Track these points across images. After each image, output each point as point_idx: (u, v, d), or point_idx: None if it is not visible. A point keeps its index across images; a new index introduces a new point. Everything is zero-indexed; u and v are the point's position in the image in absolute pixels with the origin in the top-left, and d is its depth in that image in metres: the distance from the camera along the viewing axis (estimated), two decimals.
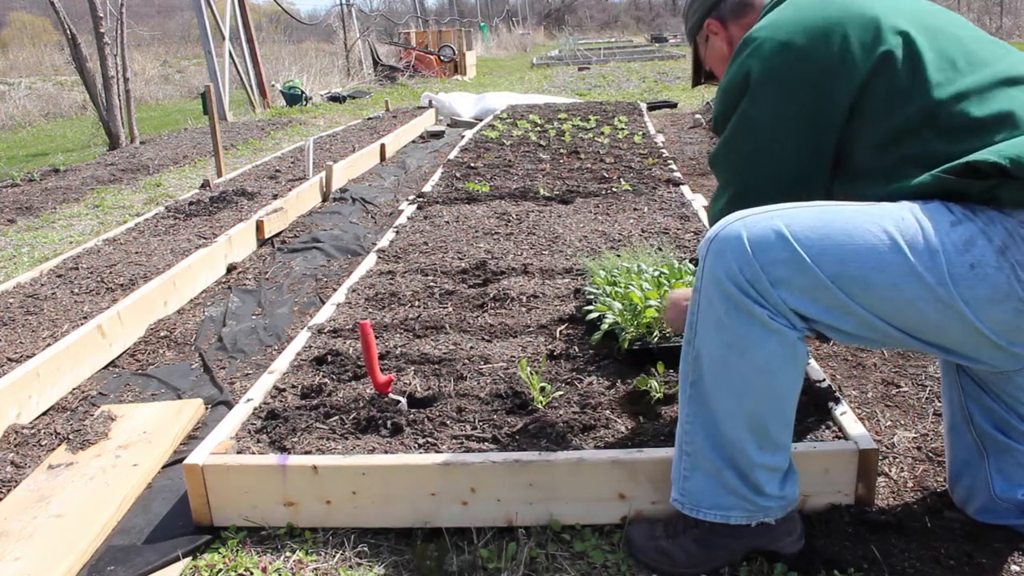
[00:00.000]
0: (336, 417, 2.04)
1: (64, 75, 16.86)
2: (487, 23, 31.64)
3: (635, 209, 4.20)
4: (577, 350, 2.41)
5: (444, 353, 2.43)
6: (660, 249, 3.26)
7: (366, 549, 1.77)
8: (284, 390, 2.24)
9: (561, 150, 6.16)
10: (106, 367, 2.91)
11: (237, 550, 1.78)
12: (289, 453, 1.87)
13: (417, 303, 2.91)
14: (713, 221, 1.72)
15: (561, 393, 2.12)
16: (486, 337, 2.55)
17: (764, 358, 1.43)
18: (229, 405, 2.47)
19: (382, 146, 7.11)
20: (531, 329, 2.59)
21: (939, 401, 2.34)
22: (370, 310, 2.88)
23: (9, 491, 2.07)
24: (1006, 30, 20.56)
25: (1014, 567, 1.63)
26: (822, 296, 1.39)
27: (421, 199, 4.66)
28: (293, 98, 12.27)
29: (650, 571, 1.65)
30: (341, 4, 17.74)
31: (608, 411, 2.01)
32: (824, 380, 2.10)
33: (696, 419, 1.53)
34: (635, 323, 2.28)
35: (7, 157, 8.97)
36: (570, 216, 4.12)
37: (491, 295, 2.91)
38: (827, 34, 1.53)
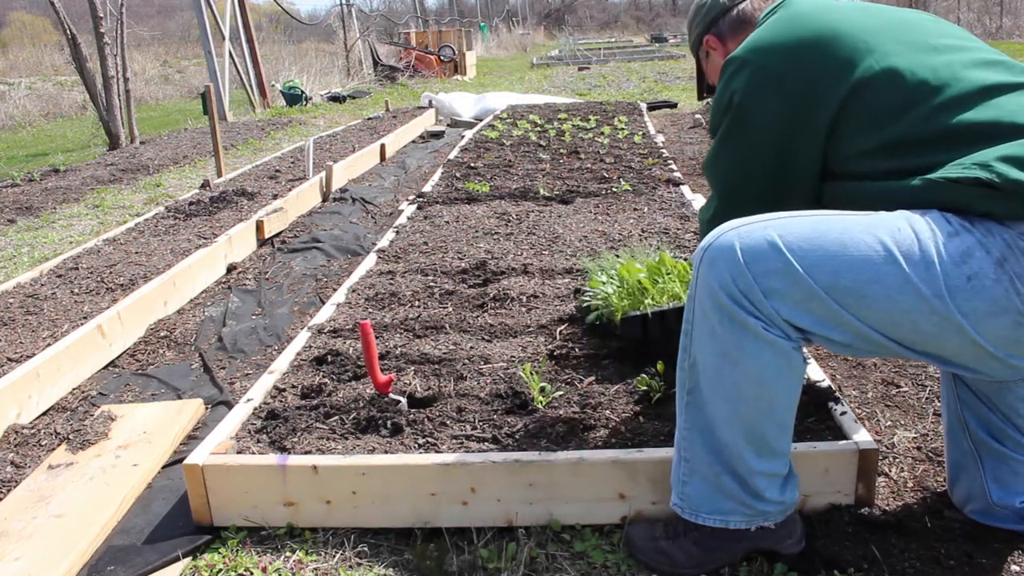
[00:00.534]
0: (336, 417, 2.04)
1: (64, 75, 16.86)
2: (487, 23, 31.64)
3: (635, 209, 4.20)
4: (577, 350, 2.41)
5: (444, 353, 2.43)
6: (659, 248, 3.26)
7: (366, 549, 1.77)
8: (284, 390, 2.24)
9: (561, 150, 6.16)
10: (106, 367, 2.91)
11: (237, 550, 1.78)
12: (289, 453, 1.87)
13: (417, 303, 2.91)
14: (702, 227, 1.76)
15: (561, 393, 2.12)
16: (486, 337, 2.55)
17: (758, 368, 1.42)
18: (229, 405, 2.47)
19: (382, 146, 7.11)
20: (531, 329, 2.59)
21: (939, 401, 2.34)
22: (370, 310, 2.88)
23: (9, 491, 2.07)
24: (1006, 30, 20.56)
25: (1014, 567, 1.63)
26: (816, 307, 1.37)
27: (421, 199, 4.66)
28: (293, 98, 12.27)
29: (650, 571, 1.65)
30: (341, 4, 17.75)
31: (608, 411, 2.02)
32: (824, 380, 2.10)
33: (694, 426, 1.52)
34: (627, 293, 2.29)
35: (7, 157, 8.97)
36: (570, 216, 4.12)
37: (491, 295, 2.91)
38: (804, 56, 1.54)
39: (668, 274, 2.35)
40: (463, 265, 3.32)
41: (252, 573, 1.71)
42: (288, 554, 1.76)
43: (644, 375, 2.15)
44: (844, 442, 1.80)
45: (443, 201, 4.58)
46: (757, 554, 1.63)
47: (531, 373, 2.11)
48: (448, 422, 2.00)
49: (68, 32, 8.27)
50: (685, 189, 4.61)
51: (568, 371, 2.27)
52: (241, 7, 12.65)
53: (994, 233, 1.34)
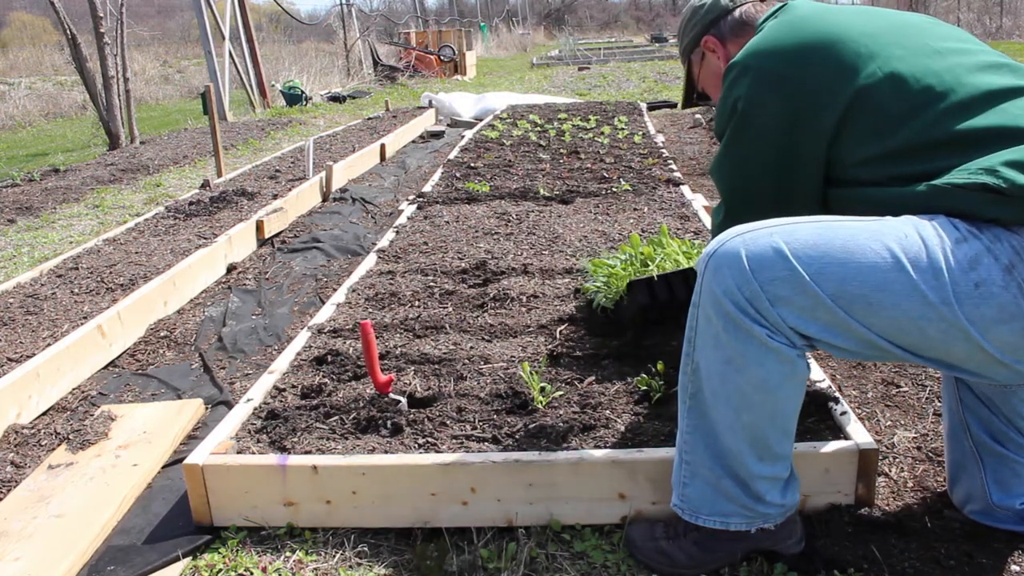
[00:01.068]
0: (336, 417, 2.04)
1: (64, 75, 16.86)
2: (487, 23, 31.64)
3: (635, 209, 4.20)
4: (577, 350, 2.41)
5: (444, 353, 2.43)
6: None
7: (366, 549, 1.77)
8: (284, 390, 2.24)
9: (561, 150, 6.16)
10: (106, 367, 2.91)
11: (237, 550, 1.78)
12: (289, 453, 1.87)
13: (417, 303, 2.91)
14: (714, 231, 1.74)
15: (561, 393, 2.12)
16: (486, 337, 2.55)
17: (762, 375, 1.42)
18: (229, 405, 2.47)
19: (382, 146, 7.11)
20: (531, 329, 2.59)
21: (939, 401, 2.34)
22: (370, 310, 2.88)
23: (9, 491, 2.07)
24: (1006, 30, 20.56)
25: (1014, 567, 1.63)
26: (822, 315, 1.36)
27: (421, 199, 4.66)
28: (293, 98, 12.27)
29: (650, 571, 1.65)
30: (341, 4, 17.75)
31: (608, 411, 2.02)
32: (824, 380, 2.10)
33: (696, 430, 1.52)
34: (631, 264, 2.33)
35: (7, 157, 8.98)
36: (570, 216, 4.12)
37: (491, 295, 2.91)
38: (807, 60, 1.53)
39: (668, 246, 2.40)
40: (463, 265, 3.32)
41: (252, 573, 1.71)
42: (288, 554, 1.76)
43: (644, 375, 2.15)
44: (844, 442, 1.80)
45: (443, 201, 4.58)
46: (757, 554, 1.63)
47: (531, 373, 2.11)
48: (448, 422, 2.00)
49: (68, 32, 8.27)
50: (685, 189, 4.61)
51: (568, 371, 2.27)
52: (241, 7, 12.65)
53: (1002, 239, 1.33)
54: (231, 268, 3.99)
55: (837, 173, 1.55)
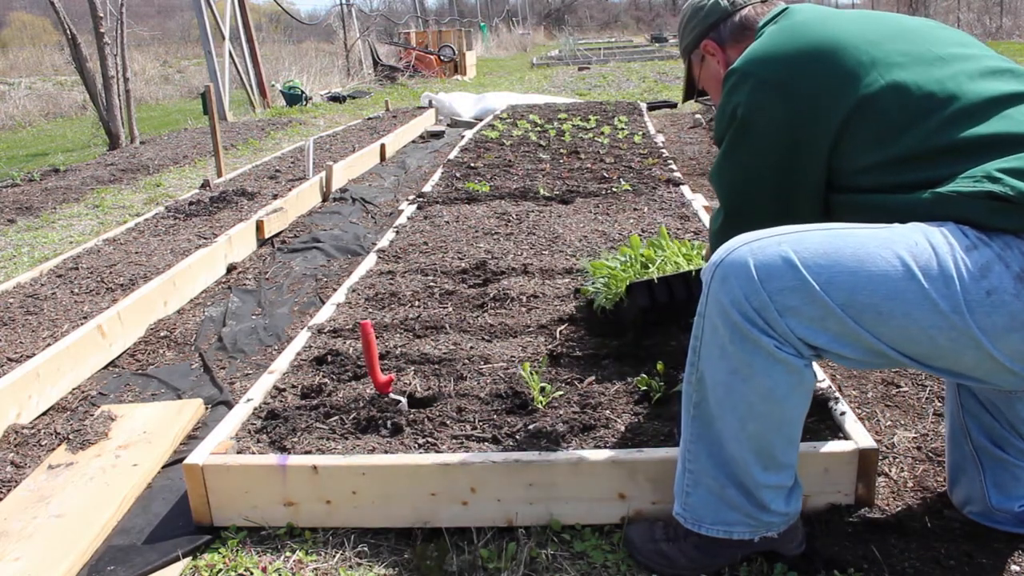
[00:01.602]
0: (336, 417, 2.04)
1: (64, 75, 16.86)
2: (487, 23, 31.64)
3: (635, 209, 4.20)
4: (577, 350, 2.41)
5: (444, 353, 2.43)
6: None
7: (366, 549, 1.77)
8: (284, 390, 2.24)
9: (561, 150, 6.16)
10: (106, 367, 2.91)
11: (237, 550, 1.78)
12: (289, 453, 1.87)
13: (417, 303, 2.91)
14: (713, 237, 1.72)
15: (561, 393, 2.12)
16: (486, 337, 2.55)
17: (769, 386, 1.40)
18: (229, 405, 2.47)
19: (382, 146, 7.11)
20: (531, 329, 2.59)
21: (939, 401, 2.34)
22: (370, 310, 2.88)
23: (9, 491, 2.07)
24: (1006, 30, 20.56)
25: (1014, 567, 1.63)
26: (832, 325, 1.34)
27: (421, 199, 4.66)
28: (293, 98, 12.27)
29: (650, 573, 1.65)
30: (341, 4, 17.75)
31: (608, 411, 2.02)
32: (824, 380, 2.10)
33: (700, 439, 1.51)
34: (631, 266, 2.33)
35: (7, 157, 8.98)
36: (570, 216, 4.12)
37: (491, 295, 2.91)
38: (807, 67, 1.52)
39: (668, 247, 2.39)
40: (463, 265, 3.32)
41: (252, 573, 1.71)
42: (288, 554, 1.76)
43: (644, 375, 2.15)
44: (844, 442, 1.80)
45: (443, 201, 4.58)
46: (757, 554, 1.63)
47: (531, 373, 2.11)
48: (448, 422, 2.00)
49: (68, 32, 8.27)
50: (685, 189, 4.61)
51: (568, 371, 2.27)
52: (241, 7, 12.65)
53: (1012, 247, 1.31)
54: (231, 268, 3.99)
55: (839, 180, 1.54)
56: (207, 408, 2.53)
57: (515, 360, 2.35)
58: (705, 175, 5.81)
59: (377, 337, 2.56)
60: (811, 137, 1.51)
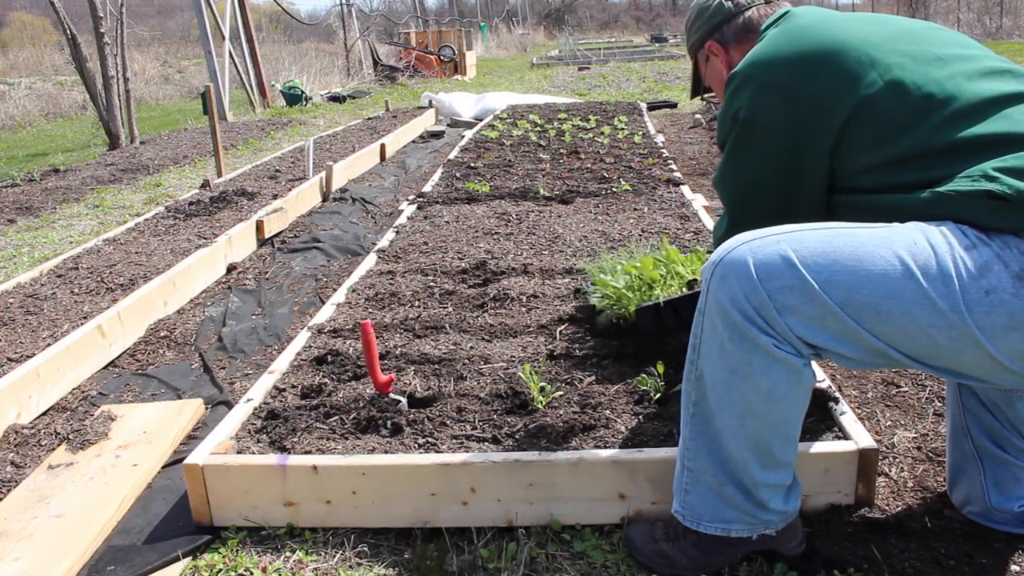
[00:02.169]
0: (336, 417, 2.04)
1: (64, 75, 16.86)
2: (487, 23, 31.64)
3: (635, 209, 4.20)
4: (577, 350, 2.41)
5: (444, 353, 2.43)
6: (658, 248, 3.26)
7: (366, 549, 1.77)
8: (284, 390, 2.24)
9: (561, 150, 6.16)
10: (106, 367, 2.91)
11: (237, 550, 1.78)
12: (289, 453, 1.87)
13: (417, 303, 2.91)
14: (717, 240, 1.72)
15: (561, 393, 2.12)
16: (486, 337, 2.55)
17: (768, 384, 1.41)
18: (229, 405, 2.47)
19: (382, 146, 7.11)
20: (531, 329, 2.59)
21: (939, 401, 2.34)
22: (370, 310, 2.88)
23: (9, 491, 2.07)
24: (1006, 30, 20.56)
25: (1014, 567, 1.63)
26: (831, 324, 1.35)
27: (421, 199, 4.66)
28: (293, 98, 12.27)
29: (650, 572, 1.65)
30: (341, 4, 17.75)
31: (608, 411, 2.01)
32: (824, 380, 2.10)
33: (699, 437, 1.51)
34: (636, 286, 2.30)
35: (7, 157, 8.98)
36: (570, 216, 4.12)
37: (491, 295, 2.91)
38: (808, 69, 1.52)
39: (673, 264, 2.37)
40: (463, 265, 3.32)
41: (252, 573, 1.71)
42: (288, 554, 1.76)
43: (644, 375, 2.15)
44: (844, 442, 1.80)
45: (443, 201, 4.58)
46: (757, 554, 1.63)
47: (531, 373, 2.11)
48: (448, 422, 2.00)
49: (68, 32, 8.27)
50: (685, 189, 4.61)
51: (568, 371, 2.27)
52: (241, 7, 12.65)
53: (1011, 246, 1.31)
54: (231, 268, 3.99)
55: (840, 181, 1.54)
56: (207, 408, 2.53)
57: (515, 360, 2.35)
58: (705, 175, 5.81)
59: (377, 337, 2.56)
60: (813, 139, 1.52)
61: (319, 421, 2.02)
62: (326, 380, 2.28)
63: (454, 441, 1.91)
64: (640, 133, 6.80)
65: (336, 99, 12.98)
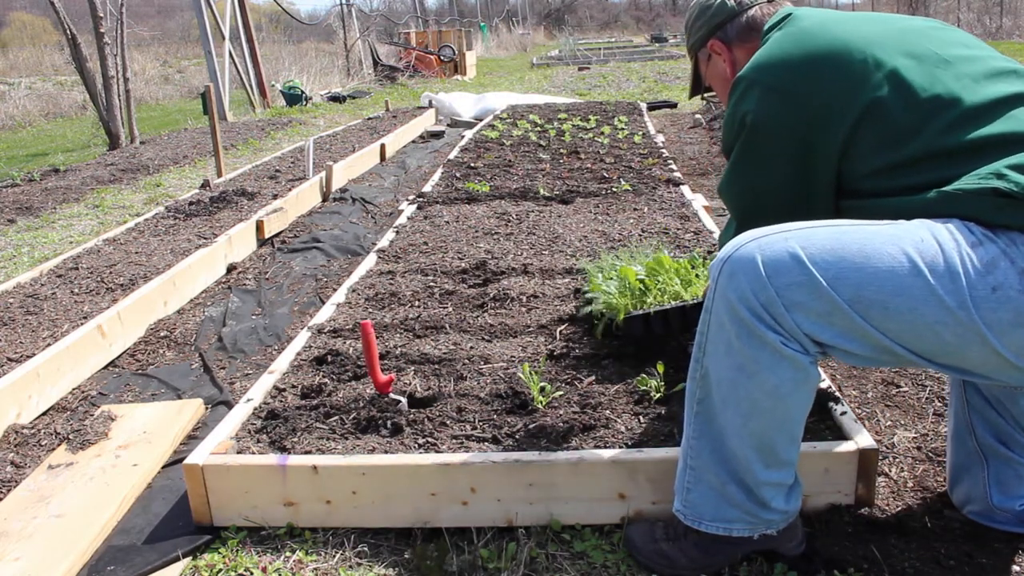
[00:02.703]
0: (336, 417, 2.04)
1: (64, 75, 16.86)
2: (487, 23, 31.64)
3: (635, 209, 4.20)
4: (577, 350, 2.41)
5: (444, 353, 2.43)
6: (658, 248, 3.26)
7: (366, 549, 1.77)
8: (284, 390, 2.24)
9: (561, 150, 6.16)
10: (106, 367, 2.91)
11: (237, 550, 1.78)
12: (289, 453, 1.87)
13: (417, 303, 2.91)
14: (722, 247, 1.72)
15: (561, 393, 2.12)
16: (486, 337, 2.55)
17: (774, 383, 1.41)
18: (229, 405, 2.47)
19: (382, 146, 7.11)
20: (531, 329, 2.59)
21: (939, 401, 2.34)
22: (370, 310, 2.88)
23: (9, 491, 2.07)
24: (1006, 30, 20.56)
25: (1014, 567, 1.63)
26: (838, 320, 1.35)
27: (421, 199, 4.66)
28: (293, 98, 12.27)
29: (650, 572, 1.65)
30: (341, 4, 17.75)
31: (608, 411, 2.01)
32: (824, 380, 2.10)
33: (702, 436, 1.51)
34: (630, 297, 2.29)
35: (7, 157, 8.98)
36: (570, 216, 4.12)
37: (491, 295, 2.91)
38: (815, 73, 1.52)
39: (667, 272, 2.35)
40: (463, 265, 3.32)
41: (252, 573, 1.71)
42: (288, 554, 1.76)
43: (644, 375, 2.15)
44: (844, 442, 1.80)
45: (443, 201, 4.58)
46: (757, 554, 1.63)
47: (531, 373, 2.11)
48: (448, 422, 2.00)
49: (68, 32, 8.27)
50: (685, 189, 4.61)
51: (568, 371, 2.27)
52: (241, 7, 12.65)
53: (1017, 243, 1.31)
54: (231, 268, 3.99)
55: (847, 184, 1.54)
56: (207, 408, 2.53)
57: (515, 360, 2.35)
58: (705, 175, 5.81)
59: (377, 337, 2.56)
60: (821, 143, 1.52)
61: (319, 421, 2.02)
62: (326, 380, 2.28)
63: (454, 441, 1.91)
64: (640, 133, 6.80)
65: (336, 99, 12.98)
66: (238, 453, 1.89)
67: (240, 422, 2.05)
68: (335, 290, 3.41)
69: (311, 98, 12.64)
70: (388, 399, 2.08)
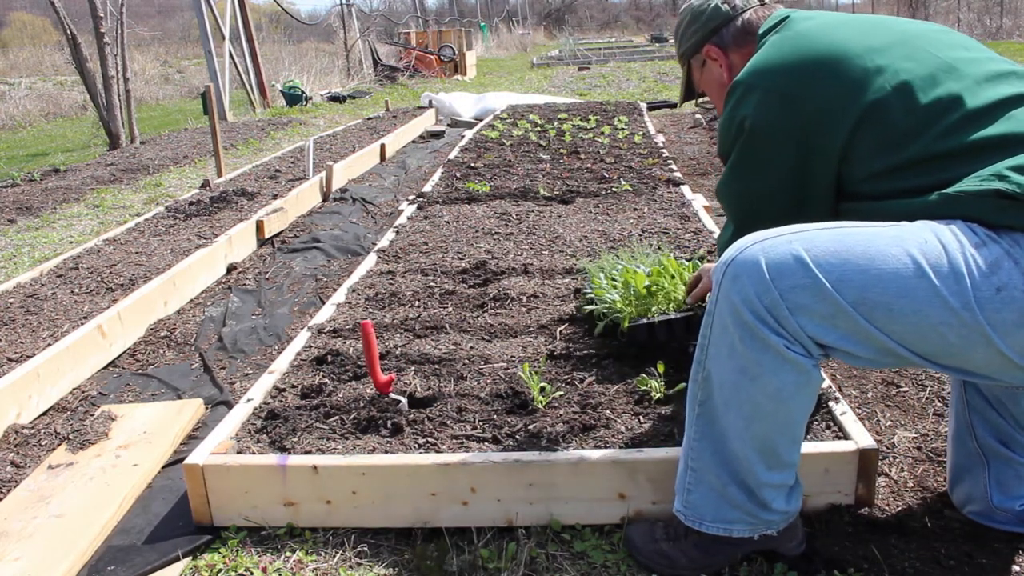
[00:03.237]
0: (336, 417, 2.04)
1: (64, 75, 16.86)
2: (487, 23, 31.63)
3: (635, 209, 4.20)
4: (577, 350, 2.41)
5: (444, 353, 2.43)
6: (659, 249, 3.26)
7: (366, 549, 1.77)
8: (284, 390, 2.24)
9: (561, 150, 6.16)
10: (106, 367, 2.91)
11: (237, 550, 1.78)
12: (289, 453, 1.87)
13: (417, 303, 2.91)
14: (721, 249, 1.71)
15: (561, 393, 2.12)
16: (486, 337, 2.55)
17: (777, 386, 1.41)
18: (229, 405, 2.47)
19: (382, 146, 7.11)
20: (531, 329, 2.59)
21: (939, 401, 2.34)
22: (370, 310, 2.88)
23: (9, 491, 2.07)
24: (1006, 30, 20.56)
25: (1014, 567, 1.63)
26: (842, 323, 1.35)
27: (421, 199, 4.66)
28: (293, 98, 12.27)
29: (650, 572, 1.65)
30: (341, 4, 17.75)
31: (608, 411, 2.01)
32: (824, 380, 2.10)
33: (704, 437, 1.51)
34: (635, 305, 2.28)
35: (7, 157, 8.98)
36: (570, 216, 4.12)
37: (491, 295, 2.91)
38: (814, 77, 1.51)
39: (672, 278, 2.34)
40: (463, 265, 3.32)
41: (252, 573, 1.71)
42: (288, 554, 1.76)
43: (644, 375, 2.15)
44: (844, 442, 1.80)
45: (443, 201, 4.58)
46: (757, 554, 1.63)
47: (531, 373, 2.11)
48: (448, 422, 2.00)
49: (68, 32, 8.27)
50: (685, 189, 4.61)
51: (568, 371, 2.27)
52: (241, 7, 12.65)
53: (1020, 244, 1.31)
54: (231, 268, 3.99)
55: (847, 187, 1.54)
56: (207, 408, 2.53)
57: (515, 360, 2.35)
58: (705, 175, 5.81)
59: (377, 337, 2.56)
60: (821, 146, 1.51)
61: (319, 421, 2.02)
62: (326, 380, 2.28)
63: (454, 441, 1.91)
64: (640, 133, 6.80)
65: (336, 99, 12.99)
66: (238, 453, 1.89)
67: (240, 422, 2.05)
68: (335, 290, 3.41)
69: (311, 98, 12.64)
70: (388, 399, 2.08)
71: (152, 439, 2.27)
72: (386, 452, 1.86)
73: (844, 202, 1.56)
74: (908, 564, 1.63)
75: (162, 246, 4.02)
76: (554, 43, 34.95)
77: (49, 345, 2.79)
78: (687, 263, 2.52)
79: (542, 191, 4.68)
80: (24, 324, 3.05)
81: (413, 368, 2.32)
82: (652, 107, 9.58)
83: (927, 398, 2.37)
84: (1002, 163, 1.36)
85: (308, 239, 4.43)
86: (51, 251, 4.67)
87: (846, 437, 1.82)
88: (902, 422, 2.24)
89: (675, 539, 1.63)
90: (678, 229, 3.73)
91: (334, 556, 1.75)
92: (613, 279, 2.52)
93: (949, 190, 1.38)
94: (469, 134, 7.41)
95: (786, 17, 1.71)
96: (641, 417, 1.99)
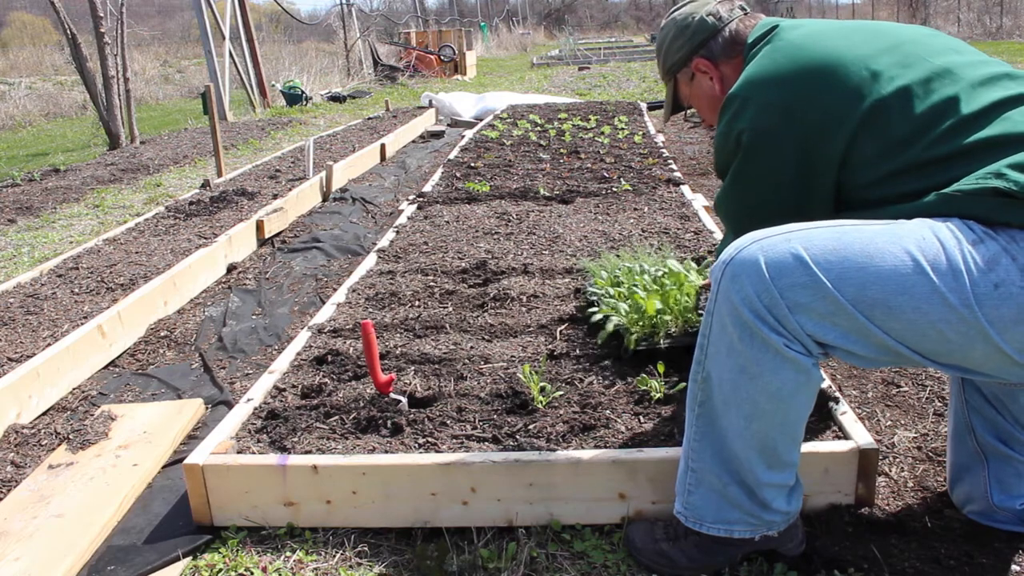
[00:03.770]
0: (336, 417, 2.04)
1: (64, 75, 16.86)
2: (487, 23, 31.62)
3: (635, 209, 4.20)
4: (577, 350, 2.41)
5: (444, 353, 2.43)
6: (660, 249, 3.26)
7: (366, 549, 1.77)
8: (284, 390, 2.24)
9: (561, 150, 6.16)
10: (106, 367, 2.91)
11: (237, 550, 1.78)
12: (289, 453, 1.87)
13: (417, 303, 2.91)
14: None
15: (561, 393, 2.12)
16: (486, 337, 2.55)
17: (777, 385, 1.41)
18: (229, 405, 2.47)
19: (382, 146, 7.11)
20: (531, 329, 2.59)
21: (939, 401, 2.34)
22: (370, 310, 2.88)
23: (9, 491, 2.07)
24: (1006, 30, 20.56)
25: (1014, 567, 1.63)
26: (842, 321, 1.35)
27: (421, 199, 4.66)
28: (293, 98, 12.27)
29: (650, 572, 1.65)
30: (341, 4, 17.75)
31: (608, 411, 2.02)
32: (824, 380, 2.10)
33: (704, 437, 1.51)
34: (640, 324, 2.28)
35: (7, 157, 8.97)
36: (570, 216, 4.12)
37: (491, 295, 2.91)
38: (810, 87, 1.51)
39: (680, 286, 2.33)
40: (463, 265, 3.32)
41: (252, 573, 1.71)
42: (288, 554, 1.76)
43: (644, 375, 2.15)
44: (844, 442, 1.80)
45: (443, 201, 4.58)
46: (757, 554, 1.63)
47: (531, 373, 2.11)
48: (448, 422, 2.00)
49: (68, 32, 8.27)
50: (685, 189, 4.61)
51: (568, 371, 2.27)
52: (241, 7, 12.65)
53: (1018, 240, 1.32)
54: (231, 268, 3.99)
55: (846, 194, 1.54)
56: (207, 408, 2.53)
57: (515, 360, 2.35)
58: (705, 175, 5.81)
59: (377, 337, 2.56)
60: (819, 157, 1.51)
61: (319, 421, 2.02)
62: (326, 380, 2.28)
63: (454, 441, 1.91)
64: (640, 133, 6.80)
65: (336, 99, 12.98)
66: (238, 453, 1.89)
67: (240, 422, 2.05)
68: (335, 290, 3.41)
69: (311, 98, 12.64)
70: (388, 399, 2.08)
71: (152, 439, 2.27)
72: (386, 452, 1.86)
73: (843, 208, 1.56)
74: (908, 564, 1.63)
75: (162, 246, 4.02)
76: (554, 43, 34.94)
77: (49, 345, 2.79)
78: (696, 267, 2.52)
79: (542, 191, 4.68)
80: (24, 324, 3.05)
81: (413, 368, 2.32)
82: (652, 107, 9.57)
83: (927, 398, 2.37)
84: (1000, 162, 1.36)
85: (308, 239, 4.43)
86: (51, 251, 4.67)
87: (846, 437, 1.82)
88: (902, 422, 2.24)
89: (675, 539, 1.63)
90: (678, 229, 3.73)
91: (334, 556, 1.75)
92: (618, 285, 2.50)
93: (946, 190, 1.38)
94: (469, 134, 7.41)
95: (775, 27, 1.69)
96: (641, 417, 1.99)
